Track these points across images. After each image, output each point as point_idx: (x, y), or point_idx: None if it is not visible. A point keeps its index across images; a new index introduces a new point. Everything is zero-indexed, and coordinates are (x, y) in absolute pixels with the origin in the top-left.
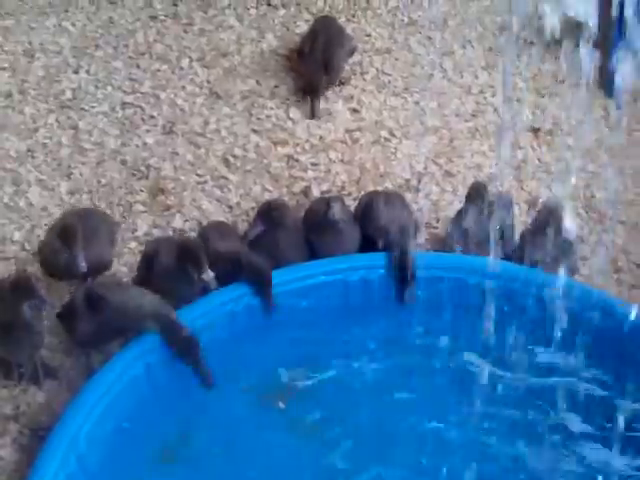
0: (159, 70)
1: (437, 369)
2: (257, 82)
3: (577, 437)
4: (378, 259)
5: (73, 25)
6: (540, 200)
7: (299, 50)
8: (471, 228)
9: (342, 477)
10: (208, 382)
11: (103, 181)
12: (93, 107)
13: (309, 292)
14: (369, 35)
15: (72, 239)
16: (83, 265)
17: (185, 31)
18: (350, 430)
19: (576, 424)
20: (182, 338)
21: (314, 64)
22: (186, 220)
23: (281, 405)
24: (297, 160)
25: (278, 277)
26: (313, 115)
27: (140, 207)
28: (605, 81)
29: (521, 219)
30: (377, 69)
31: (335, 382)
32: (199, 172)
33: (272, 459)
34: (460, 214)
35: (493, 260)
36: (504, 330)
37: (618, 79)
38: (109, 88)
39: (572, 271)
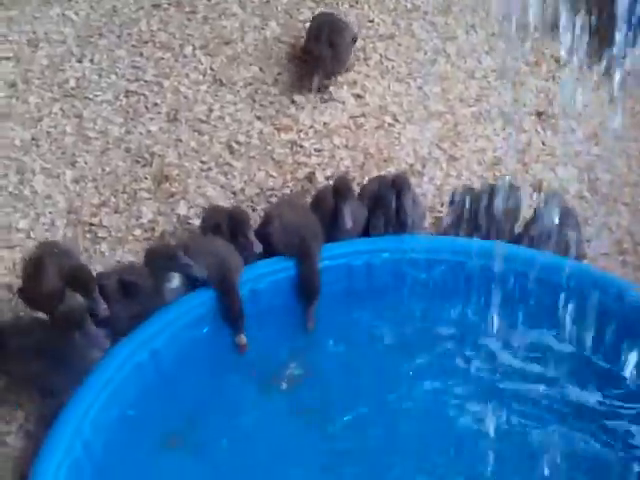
0: (162, 58)
1: (440, 352)
2: (260, 69)
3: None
4: (382, 243)
5: (77, 14)
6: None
7: (304, 48)
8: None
9: (345, 460)
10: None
11: (107, 169)
12: (97, 96)
13: None
14: (372, 21)
15: (88, 286)
16: (105, 308)
17: (188, 19)
18: (353, 413)
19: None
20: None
21: (321, 46)
22: (190, 207)
23: (284, 386)
24: (301, 146)
25: (282, 261)
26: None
27: (145, 194)
28: (610, 64)
29: (526, 202)
30: (380, 55)
31: (338, 365)
32: (203, 159)
33: (276, 443)
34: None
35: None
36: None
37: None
38: (113, 77)
39: None
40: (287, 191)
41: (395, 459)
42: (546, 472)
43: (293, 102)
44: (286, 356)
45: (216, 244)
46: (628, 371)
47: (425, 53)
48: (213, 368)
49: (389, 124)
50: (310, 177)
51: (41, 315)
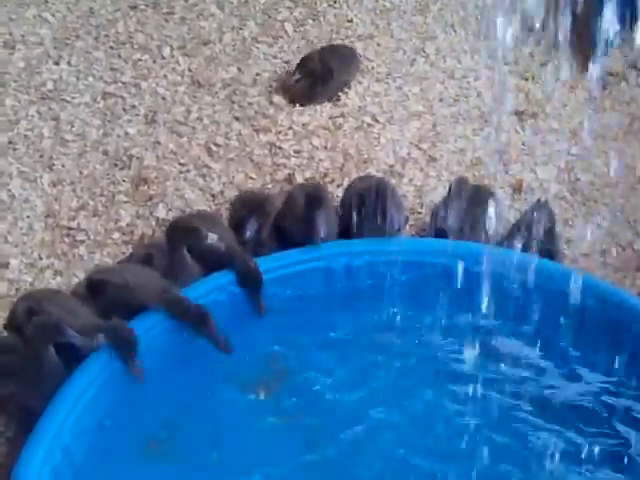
0: (140, 59)
1: (421, 357)
2: (239, 70)
3: None
4: (361, 245)
5: (53, 16)
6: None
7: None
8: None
9: (327, 465)
10: (226, 349)
11: (85, 172)
12: (74, 98)
13: (292, 280)
14: (351, 21)
15: None
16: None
17: (166, 20)
18: (335, 418)
19: None
20: (193, 313)
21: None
22: (169, 210)
23: (265, 390)
24: (280, 147)
25: (261, 265)
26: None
27: (123, 197)
28: (589, 63)
29: (505, 203)
30: (359, 55)
31: (320, 370)
32: (182, 161)
33: (256, 447)
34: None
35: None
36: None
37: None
38: (90, 79)
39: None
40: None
41: (377, 465)
42: None
43: (272, 103)
44: (267, 360)
45: None
46: None
47: (404, 53)
48: (194, 372)
49: (368, 125)
50: (289, 178)
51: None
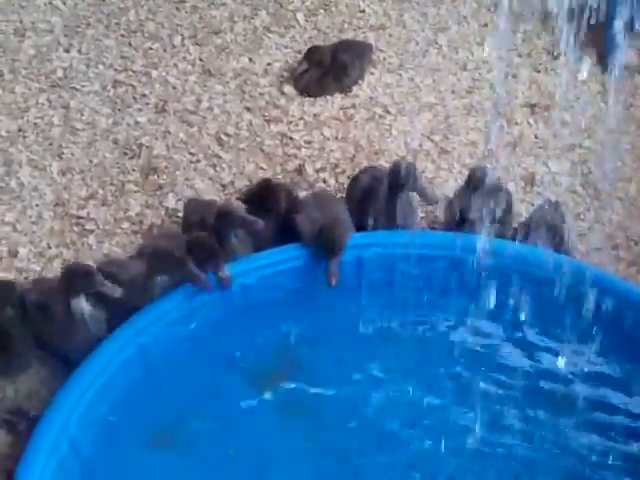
0: (151, 48)
1: (431, 348)
2: (250, 59)
3: None
4: (370, 238)
5: (64, 3)
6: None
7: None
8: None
9: (333, 460)
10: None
11: (95, 161)
12: (84, 86)
13: (300, 273)
14: (363, 11)
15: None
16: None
17: (177, 9)
18: (342, 413)
19: None
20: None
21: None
22: (179, 199)
23: (272, 383)
24: (291, 138)
25: (268, 258)
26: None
27: (132, 187)
28: (602, 56)
29: (518, 196)
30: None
31: (328, 364)
32: (192, 151)
33: (263, 441)
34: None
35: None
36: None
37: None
38: (100, 67)
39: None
40: None
41: (382, 459)
42: None
43: (283, 93)
44: (275, 353)
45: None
46: None
47: (417, 44)
48: (200, 365)
49: (380, 116)
50: (300, 169)
51: None
